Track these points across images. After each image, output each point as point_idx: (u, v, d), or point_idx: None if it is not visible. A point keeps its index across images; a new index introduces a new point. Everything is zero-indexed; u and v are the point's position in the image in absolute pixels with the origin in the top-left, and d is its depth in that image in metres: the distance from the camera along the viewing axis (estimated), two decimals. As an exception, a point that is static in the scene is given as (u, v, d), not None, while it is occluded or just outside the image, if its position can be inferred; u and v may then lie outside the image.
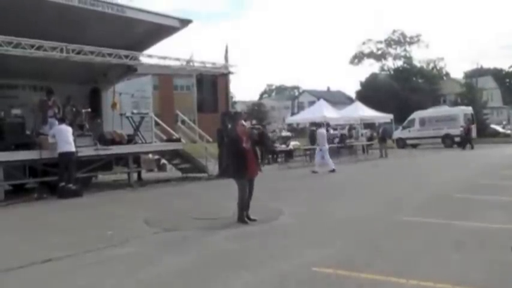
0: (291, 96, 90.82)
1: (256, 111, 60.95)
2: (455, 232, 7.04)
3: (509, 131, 41.09)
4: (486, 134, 36.93)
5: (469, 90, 45.95)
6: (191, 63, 15.54)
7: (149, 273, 5.50)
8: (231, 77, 17.85)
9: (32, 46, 11.71)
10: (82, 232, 7.94)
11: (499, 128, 42.57)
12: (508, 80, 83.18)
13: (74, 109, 14.14)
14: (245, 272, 5.43)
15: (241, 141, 8.37)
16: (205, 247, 6.72)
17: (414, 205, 9.61)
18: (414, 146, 32.93)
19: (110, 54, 13.32)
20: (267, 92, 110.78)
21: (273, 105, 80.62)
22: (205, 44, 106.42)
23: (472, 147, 28.55)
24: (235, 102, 63.27)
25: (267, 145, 24.00)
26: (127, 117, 15.59)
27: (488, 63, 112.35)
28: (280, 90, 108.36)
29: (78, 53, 12.65)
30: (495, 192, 10.60)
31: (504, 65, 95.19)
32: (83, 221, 9.09)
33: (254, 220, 8.22)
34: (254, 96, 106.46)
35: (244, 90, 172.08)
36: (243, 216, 8.21)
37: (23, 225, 8.99)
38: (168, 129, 17.79)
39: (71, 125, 12.95)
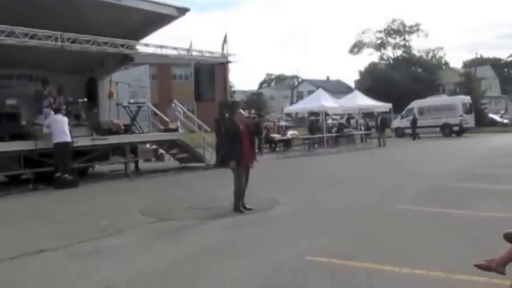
0: (290, 86, 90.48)
1: (255, 100, 60.76)
2: (450, 221, 7.05)
3: (506, 121, 41.03)
4: (484, 123, 36.88)
5: (468, 80, 45.67)
6: (189, 52, 15.43)
7: (143, 263, 5.48)
8: (230, 66, 17.77)
9: (26, 35, 11.55)
10: (77, 222, 7.94)
11: (497, 118, 42.50)
12: (506, 70, 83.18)
13: (65, 99, 13.99)
14: (239, 261, 5.42)
15: (239, 130, 8.36)
16: (201, 237, 6.72)
17: (410, 194, 9.60)
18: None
19: (105, 43, 13.19)
20: (267, 82, 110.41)
21: (272, 95, 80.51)
22: (204, 34, 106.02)
23: (418, 138, 29.77)
24: (234, 92, 63.15)
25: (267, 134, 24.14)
26: (124, 107, 15.49)
27: (487, 53, 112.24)
28: (280, 79, 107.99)
29: (74, 41, 12.53)
30: (492, 181, 10.60)
31: (503, 54, 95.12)
32: (78, 211, 9.05)
33: (250, 209, 8.22)
34: (253, 86, 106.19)
35: (243, 79, 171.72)
36: (239, 205, 8.21)
37: (17, 216, 8.94)
38: (166, 118, 17.71)
39: (66, 115, 12.87)
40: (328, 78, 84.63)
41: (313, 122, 28.40)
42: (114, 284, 4.81)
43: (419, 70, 63.38)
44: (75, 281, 4.94)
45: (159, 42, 14.88)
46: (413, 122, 30.89)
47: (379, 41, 69.91)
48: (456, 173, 12.44)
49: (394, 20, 68.59)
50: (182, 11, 15.21)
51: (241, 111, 9.29)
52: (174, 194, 11.16)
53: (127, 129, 15.02)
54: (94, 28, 13.11)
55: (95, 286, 4.77)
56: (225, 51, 16.45)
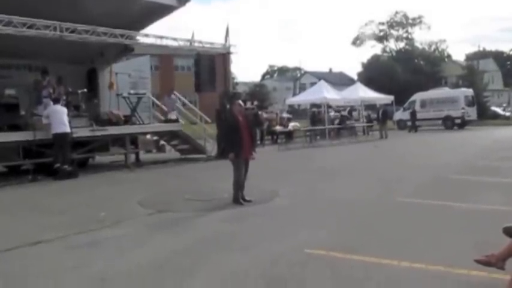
0: (292, 78, 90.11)
1: (258, 92, 60.55)
2: (450, 214, 7.00)
3: (509, 113, 40.84)
4: (486, 116, 36.73)
5: (470, 73, 45.40)
6: (191, 44, 15.34)
7: (142, 254, 5.44)
8: (232, 58, 17.66)
9: (24, 24, 11.41)
10: (75, 213, 7.89)
11: (499, 111, 42.31)
12: (509, 63, 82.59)
13: (65, 89, 13.89)
14: (237, 253, 5.38)
15: (237, 121, 8.29)
16: (199, 228, 6.68)
17: (411, 186, 9.54)
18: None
19: (105, 33, 13.07)
20: (269, 73, 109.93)
21: (274, 87, 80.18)
22: (206, 25, 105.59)
23: (416, 131, 30.11)
24: (236, 83, 62.97)
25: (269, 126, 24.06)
26: (124, 98, 15.41)
27: (490, 46, 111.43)
28: (282, 71, 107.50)
29: (72, 31, 12.40)
30: (493, 174, 10.54)
31: (505, 47, 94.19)
32: (77, 202, 9.01)
33: (249, 201, 8.18)
34: (256, 77, 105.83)
35: (246, 71, 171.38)
36: (239, 197, 8.17)
37: (15, 207, 8.90)
38: (164, 108, 17.61)
39: (65, 105, 12.79)
40: (330, 70, 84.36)
41: (315, 114, 28.28)
42: (112, 276, 4.77)
43: (422, 62, 63.10)
44: (72, 272, 4.90)
45: (160, 33, 14.83)
46: (413, 114, 30.90)
47: (381, 33, 69.59)
48: (458, 166, 12.39)
49: (396, 12, 68.32)
50: (182, 1, 15.09)
51: (240, 102, 9.18)
52: (174, 185, 11.12)
53: (127, 120, 14.95)
54: (93, 18, 12.97)
55: (93, 277, 4.72)
56: (227, 43, 16.37)
